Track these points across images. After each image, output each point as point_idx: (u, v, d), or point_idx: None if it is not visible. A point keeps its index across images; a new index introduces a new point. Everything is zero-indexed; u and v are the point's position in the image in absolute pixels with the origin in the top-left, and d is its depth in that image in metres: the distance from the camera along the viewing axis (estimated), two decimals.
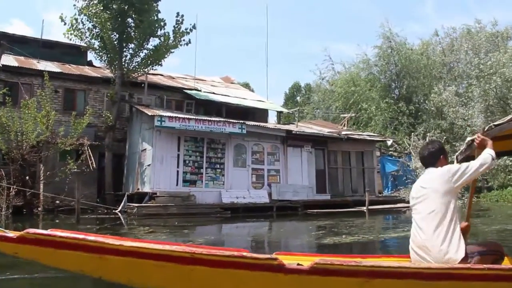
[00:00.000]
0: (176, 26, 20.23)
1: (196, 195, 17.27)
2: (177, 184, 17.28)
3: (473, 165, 3.12)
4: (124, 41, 19.77)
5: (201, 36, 78.81)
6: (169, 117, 16.71)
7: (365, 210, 18.60)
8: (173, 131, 17.19)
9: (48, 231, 2.80)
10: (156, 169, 16.98)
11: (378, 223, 15.32)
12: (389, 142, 24.40)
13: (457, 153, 4.98)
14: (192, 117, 17.22)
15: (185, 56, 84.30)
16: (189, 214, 16.29)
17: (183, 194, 17.01)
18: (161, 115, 16.66)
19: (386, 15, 71.03)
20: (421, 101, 32.29)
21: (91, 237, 2.73)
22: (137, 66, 19.88)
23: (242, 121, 17.92)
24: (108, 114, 19.27)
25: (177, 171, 17.38)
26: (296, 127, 22.04)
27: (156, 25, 19.01)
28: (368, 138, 21.72)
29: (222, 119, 17.78)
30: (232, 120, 17.87)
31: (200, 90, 22.89)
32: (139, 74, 20.23)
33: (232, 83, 27.99)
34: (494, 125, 3.90)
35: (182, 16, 20.35)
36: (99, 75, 21.03)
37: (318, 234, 11.02)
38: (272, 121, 28.24)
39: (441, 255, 2.88)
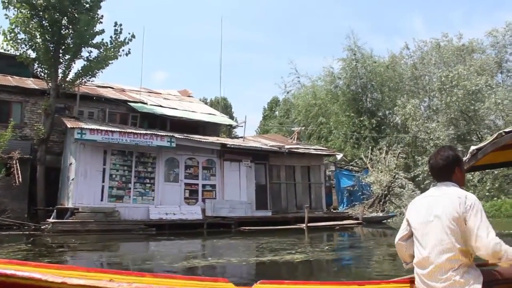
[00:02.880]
0: (114, 36, 19.81)
1: (122, 211, 16.54)
2: (102, 200, 16.56)
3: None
4: (62, 52, 19.29)
5: (188, 49, 78.99)
6: (91, 129, 16.06)
7: (304, 228, 17.79)
8: (98, 144, 16.54)
9: None
10: (79, 183, 16.28)
11: (315, 241, 14.45)
12: (339, 157, 23.63)
13: None
14: (116, 129, 16.56)
15: (173, 69, 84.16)
16: (110, 230, 15.55)
17: (106, 210, 16.27)
18: (82, 127, 16.02)
19: (373, 30, 70.72)
20: (386, 114, 31.61)
21: (24, 273, 1.93)
22: (73, 78, 19.31)
23: (171, 134, 17.24)
24: (40, 127, 18.67)
25: (102, 186, 16.68)
26: (243, 141, 21.40)
27: (88, 36, 18.42)
28: (314, 152, 20.94)
29: (148, 132, 17.13)
30: (160, 133, 17.22)
31: (146, 103, 22.28)
32: (76, 86, 19.63)
33: (189, 96, 27.43)
34: (504, 132, 3.60)
35: (121, 25, 19.97)
36: (37, 87, 20.46)
37: (251, 252, 10.23)
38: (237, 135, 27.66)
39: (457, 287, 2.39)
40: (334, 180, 24.27)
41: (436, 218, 2.48)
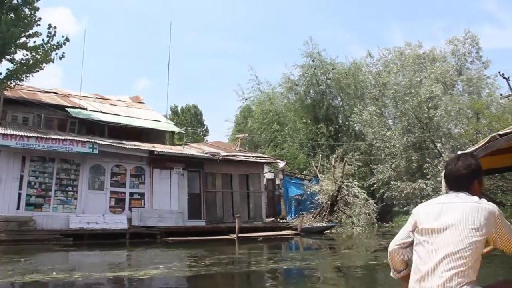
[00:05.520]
0: (48, 38, 19.19)
1: (40, 220, 15.80)
2: (18, 208, 15.79)
3: None
4: None
5: (172, 57, 78.44)
6: (3, 134, 15.35)
7: (235, 238, 17.13)
8: (15, 150, 15.82)
9: None
10: None
11: (213, 254, 13.79)
12: (281, 164, 23.00)
13: None
14: (32, 135, 15.87)
15: (156, 77, 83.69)
16: (21, 241, 14.81)
17: (22, 219, 15.51)
18: None
19: (357, 39, 70.74)
20: (345, 122, 31.09)
21: None
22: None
23: (93, 140, 16.57)
24: None
25: (19, 194, 15.93)
26: (183, 148, 20.78)
27: (12, 37, 17.73)
28: (252, 160, 20.31)
29: (68, 137, 16.43)
30: (81, 139, 16.53)
31: (85, 109, 21.61)
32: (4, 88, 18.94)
33: (140, 102, 26.78)
34: (499, 134, 3.35)
35: (55, 27, 19.35)
36: None
37: (120, 267, 9.52)
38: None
39: None
40: (282, 188, 23.65)
41: (451, 227, 2.23)
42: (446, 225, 2.24)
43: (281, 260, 10.84)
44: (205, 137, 46.34)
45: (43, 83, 46.84)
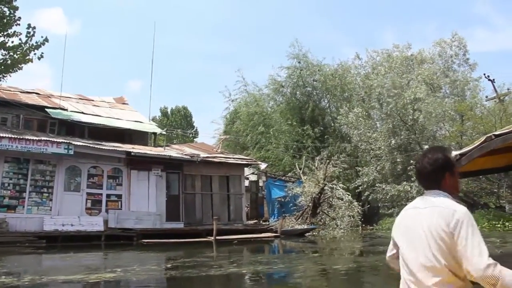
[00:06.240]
0: (27, 38, 19.05)
1: (13, 222, 15.57)
2: None
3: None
4: None
5: (163, 61, 78.27)
6: None
7: (212, 241, 16.94)
8: None
9: None
10: None
11: (211, 256, 13.65)
12: (262, 166, 22.83)
13: None
14: (5, 135, 15.64)
15: (148, 78, 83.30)
16: None
17: None
18: None
19: (352, 42, 70.78)
20: (331, 124, 30.95)
21: None
22: None
23: (69, 141, 16.36)
24: None
25: None
26: (164, 150, 20.58)
27: None
28: (232, 161, 20.13)
29: (43, 138, 16.21)
30: (56, 140, 16.32)
31: (66, 109, 21.36)
32: None
33: (123, 103, 26.54)
34: (494, 135, 3.40)
35: (34, 28, 19.23)
36: None
37: (81, 270, 9.30)
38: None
39: None
40: (265, 190, 23.46)
41: (420, 235, 2.10)
42: (416, 236, 2.13)
43: (245, 264, 10.66)
44: (194, 139, 46.10)
45: (34, 85, 46.65)
